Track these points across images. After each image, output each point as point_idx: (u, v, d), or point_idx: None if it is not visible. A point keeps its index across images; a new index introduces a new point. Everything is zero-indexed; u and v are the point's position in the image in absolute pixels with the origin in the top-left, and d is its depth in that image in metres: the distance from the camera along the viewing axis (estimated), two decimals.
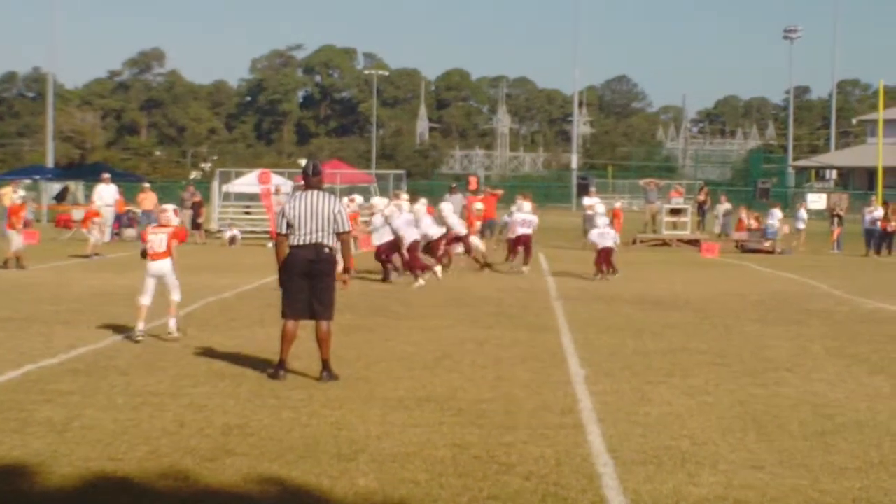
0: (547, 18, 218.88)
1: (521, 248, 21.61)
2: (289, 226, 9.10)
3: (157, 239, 11.33)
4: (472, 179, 34.79)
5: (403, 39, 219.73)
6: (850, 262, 27.93)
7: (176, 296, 11.39)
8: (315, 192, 9.19)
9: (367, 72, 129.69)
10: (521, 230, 21.73)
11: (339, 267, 9.52)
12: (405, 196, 22.16)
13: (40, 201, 43.55)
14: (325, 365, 9.13)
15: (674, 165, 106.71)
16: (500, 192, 34.09)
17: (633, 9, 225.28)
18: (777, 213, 32.66)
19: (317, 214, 9.04)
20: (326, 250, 9.10)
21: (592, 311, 14.80)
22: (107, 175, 31.89)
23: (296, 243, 9.07)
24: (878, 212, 31.54)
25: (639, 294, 17.32)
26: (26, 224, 33.17)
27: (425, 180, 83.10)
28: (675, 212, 33.88)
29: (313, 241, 9.03)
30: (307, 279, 9.04)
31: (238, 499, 5.83)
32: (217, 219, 34.57)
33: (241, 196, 36.33)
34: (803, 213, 34.67)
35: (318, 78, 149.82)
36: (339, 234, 9.19)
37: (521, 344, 11.50)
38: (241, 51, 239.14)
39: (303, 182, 9.43)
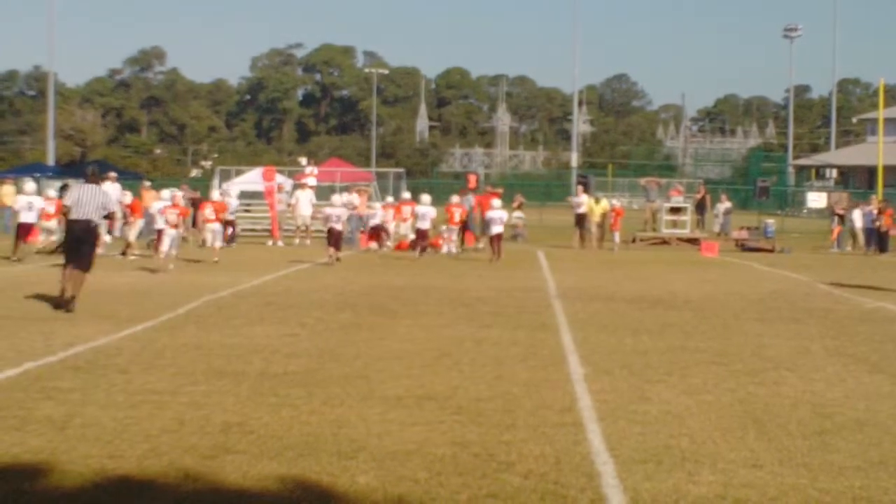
0: (547, 17, 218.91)
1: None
2: (70, 206, 13.70)
3: None
4: (472, 177, 34.69)
5: (403, 38, 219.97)
6: (849, 260, 27.93)
7: None
8: (92, 185, 14.09)
9: (367, 70, 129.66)
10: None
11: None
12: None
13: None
14: (73, 299, 13.32)
15: (674, 164, 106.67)
16: (500, 190, 34.11)
17: (632, 7, 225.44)
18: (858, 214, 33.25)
19: (92, 201, 13.75)
20: (92, 225, 13.83)
21: (591, 309, 14.80)
22: (113, 174, 31.68)
23: (74, 218, 13.63)
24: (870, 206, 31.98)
25: (638, 293, 17.32)
26: None
27: (425, 178, 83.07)
28: (674, 210, 33.90)
29: (85, 217, 13.65)
30: (78, 243, 13.68)
31: (238, 496, 5.83)
32: None
33: (241, 194, 36.29)
34: (857, 213, 32.62)
35: (318, 76, 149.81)
36: (106, 215, 14.48)
37: (521, 342, 11.49)
38: (241, 49, 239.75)
39: (87, 179, 14.22)
